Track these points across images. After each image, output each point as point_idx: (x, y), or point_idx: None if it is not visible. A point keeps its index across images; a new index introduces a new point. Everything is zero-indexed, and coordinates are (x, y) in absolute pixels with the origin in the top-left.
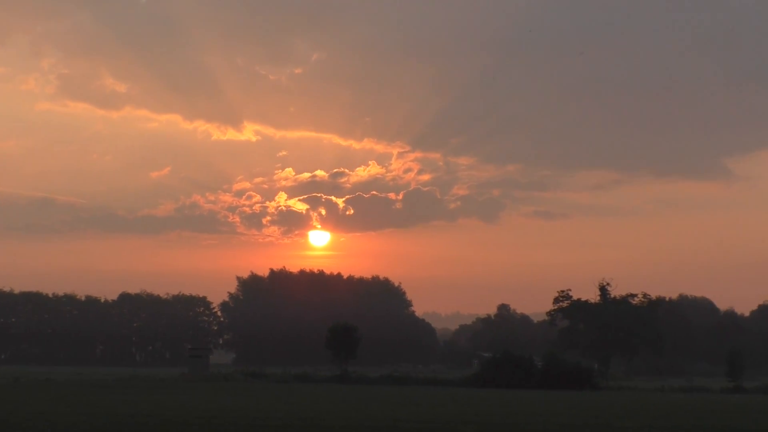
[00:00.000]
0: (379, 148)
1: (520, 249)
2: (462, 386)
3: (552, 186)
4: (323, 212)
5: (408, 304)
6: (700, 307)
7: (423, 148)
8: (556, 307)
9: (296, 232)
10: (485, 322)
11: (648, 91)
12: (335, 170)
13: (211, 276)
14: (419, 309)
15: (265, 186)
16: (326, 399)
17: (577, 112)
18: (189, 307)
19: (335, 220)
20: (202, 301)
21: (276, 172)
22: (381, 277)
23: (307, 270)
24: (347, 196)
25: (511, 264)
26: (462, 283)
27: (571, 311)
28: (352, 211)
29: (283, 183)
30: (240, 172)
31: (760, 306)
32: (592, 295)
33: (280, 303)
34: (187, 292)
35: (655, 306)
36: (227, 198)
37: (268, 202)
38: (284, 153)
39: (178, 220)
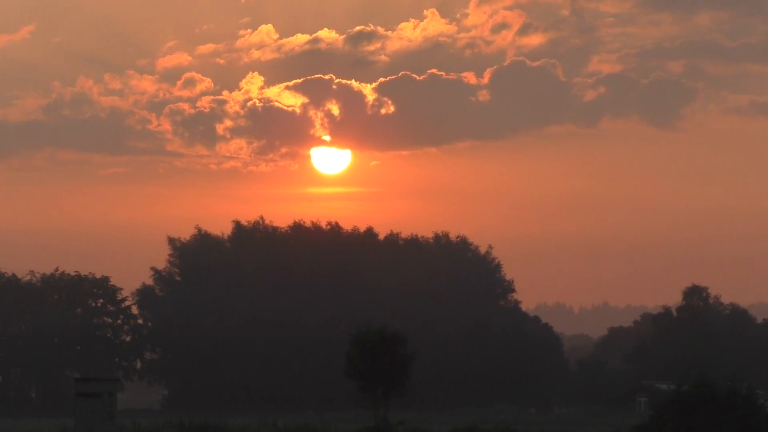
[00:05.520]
0: None
1: (725, 178)
2: None
3: None
4: (335, 111)
5: (507, 288)
6: None
7: None
8: None
9: (283, 151)
10: (660, 321)
11: None
12: (357, 29)
13: (118, 236)
14: (528, 298)
15: (221, 61)
16: None
17: None
18: (76, 297)
19: (360, 126)
20: (102, 286)
21: (241, 32)
22: (452, 236)
23: (307, 223)
24: (382, 80)
25: (707, 208)
26: (611, 249)
27: None
28: (391, 109)
29: (256, 55)
30: (171, 35)
31: None
32: None
33: (255, 288)
34: (71, 269)
35: None
36: (146, 85)
37: (227, 93)
38: None
39: (51, 129)
